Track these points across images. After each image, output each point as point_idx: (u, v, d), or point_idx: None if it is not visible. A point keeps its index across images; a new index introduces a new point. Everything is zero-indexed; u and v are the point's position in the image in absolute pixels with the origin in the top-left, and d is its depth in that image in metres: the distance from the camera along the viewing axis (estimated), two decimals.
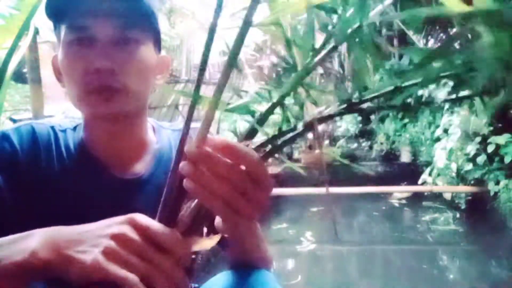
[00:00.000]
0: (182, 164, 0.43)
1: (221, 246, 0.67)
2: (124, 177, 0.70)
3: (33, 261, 0.43)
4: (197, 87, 0.45)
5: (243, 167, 0.43)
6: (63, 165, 0.67)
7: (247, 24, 0.42)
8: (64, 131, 0.71)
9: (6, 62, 1.48)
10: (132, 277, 0.41)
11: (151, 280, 0.42)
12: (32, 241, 0.45)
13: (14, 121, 4.40)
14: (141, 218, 0.45)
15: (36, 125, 0.69)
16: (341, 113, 0.46)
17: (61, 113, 6.02)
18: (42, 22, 1.81)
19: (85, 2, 0.61)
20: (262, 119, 0.45)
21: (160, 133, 0.78)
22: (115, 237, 0.43)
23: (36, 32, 1.88)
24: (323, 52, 0.45)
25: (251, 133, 0.45)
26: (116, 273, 0.41)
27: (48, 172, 0.65)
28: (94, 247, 0.43)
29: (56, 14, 0.63)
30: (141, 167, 0.72)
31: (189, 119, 0.45)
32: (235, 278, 0.66)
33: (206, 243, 0.47)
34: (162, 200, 0.46)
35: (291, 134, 0.46)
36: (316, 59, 0.45)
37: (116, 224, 0.44)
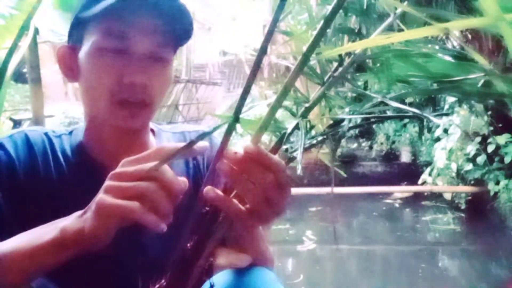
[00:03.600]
0: (219, 163, 0.46)
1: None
2: None
3: (64, 236, 0.46)
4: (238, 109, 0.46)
5: (272, 175, 0.45)
6: (61, 171, 0.66)
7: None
8: (59, 136, 0.70)
9: (6, 62, 1.48)
10: (136, 205, 0.44)
11: (156, 199, 0.45)
12: (61, 221, 0.48)
13: (14, 121, 4.40)
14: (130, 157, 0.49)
15: (29, 132, 0.68)
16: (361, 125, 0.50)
17: (61, 113, 6.02)
18: (42, 22, 1.81)
19: (129, 12, 0.60)
20: (289, 134, 0.49)
21: (160, 136, 0.77)
22: (112, 176, 0.47)
23: (36, 32, 1.88)
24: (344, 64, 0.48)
25: (278, 145, 0.49)
26: (121, 205, 0.44)
27: (47, 179, 0.65)
28: (98, 194, 0.47)
29: (96, 13, 0.60)
30: None
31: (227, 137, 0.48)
32: (236, 277, 0.66)
33: (237, 258, 0.49)
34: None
35: (309, 144, 0.50)
36: (338, 71, 0.47)
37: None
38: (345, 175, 0.62)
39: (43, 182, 0.64)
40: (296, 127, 0.48)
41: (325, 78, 0.50)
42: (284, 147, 0.49)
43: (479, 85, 0.41)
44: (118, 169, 0.48)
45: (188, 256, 0.48)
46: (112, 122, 0.65)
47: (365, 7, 0.47)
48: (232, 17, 7.80)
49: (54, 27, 1.83)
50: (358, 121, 0.50)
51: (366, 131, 6.00)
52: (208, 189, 0.47)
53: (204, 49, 7.64)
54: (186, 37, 0.67)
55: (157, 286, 0.49)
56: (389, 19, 0.46)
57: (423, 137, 4.92)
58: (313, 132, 0.52)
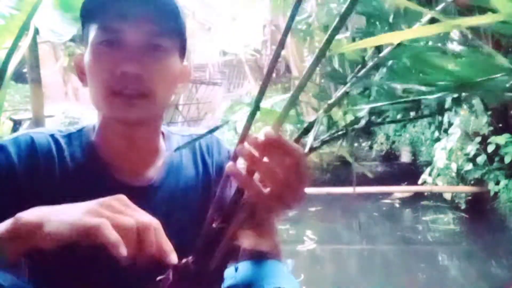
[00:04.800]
0: (239, 146, 0.49)
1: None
2: (135, 184, 0.68)
3: (16, 225, 0.47)
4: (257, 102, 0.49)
5: (291, 160, 0.48)
6: (67, 173, 0.65)
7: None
8: (67, 136, 0.69)
9: (6, 62, 1.48)
10: (103, 221, 0.45)
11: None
12: (20, 213, 0.49)
13: (14, 121, 4.40)
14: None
15: (35, 135, 0.67)
16: (375, 124, 0.54)
17: (61, 113, 6.01)
18: (42, 22, 1.81)
19: (119, 5, 0.61)
20: (309, 128, 0.52)
21: (170, 139, 0.77)
22: (100, 202, 0.48)
23: (36, 32, 1.87)
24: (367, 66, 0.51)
25: (299, 138, 0.52)
26: (89, 222, 0.45)
27: (50, 182, 0.64)
28: (77, 207, 0.48)
29: (89, 13, 0.63)
30: (152, 174, 0.71)
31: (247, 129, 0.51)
32: (248, 270, 0.67)
33: (257, 242, 0.54)
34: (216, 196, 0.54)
35: (329, 137, 0.54)
36: (361, 72, 0.51)
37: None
38: (371, 175, 0.65)
39: (45, 186, 0.63)
40: (318, 121, 0.51)
41: (348, 78, 0.52)
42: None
43: (508, 85, 0.41)
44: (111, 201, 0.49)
45: (212, 235, 0.52)
46: (110, 113, 0.65)
47: (391, 19, 0.49)
48: (232, 17, 7.80)
49: (54, 27, 1.83)
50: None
51: (366, 131, 5.99)
52: (230, 165, 0.49)
53: (204, 49, 7.64)
54: (177, 23, 0.66)
55: (184, 261, 0.52)
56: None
57: (423, 137, 4.92)
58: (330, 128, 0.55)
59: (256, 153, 0.48)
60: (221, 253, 0.52)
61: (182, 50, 0.70)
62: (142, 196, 0.68)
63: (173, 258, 0.48)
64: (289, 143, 0.48)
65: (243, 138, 0.50)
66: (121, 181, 0.68)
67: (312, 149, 0.52)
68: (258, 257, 0.70)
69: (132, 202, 0.67)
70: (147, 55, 0.63)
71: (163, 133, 0.77)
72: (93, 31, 0.63)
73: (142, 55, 0.62)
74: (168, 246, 0.48)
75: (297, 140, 0.52)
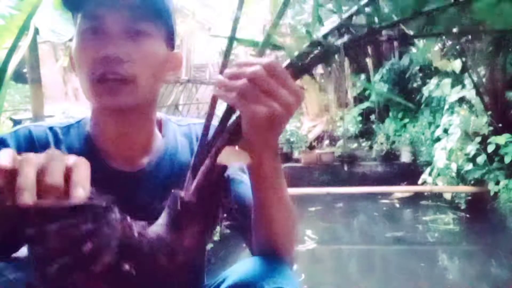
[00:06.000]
0: (219, 75, 0.52)
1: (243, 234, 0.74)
2: (129, 170, 0.70)
3: None
4: None
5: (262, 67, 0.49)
6: None
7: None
8: (66, 127, 0.71)
9: (6, 62, 1.48)
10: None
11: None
12: None
13: (14, 121, 4.40)
14: None
15: (33, 128, 0.69)
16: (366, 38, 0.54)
17: (61, 113, 6.01)
18: (42, 22, 1.81)
19: None
20: (302, 56, 0.54)
21: (167, 126, 0.78)
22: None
23: (36, 32, 1.87)
24: None
25: (289, 67, 0.55)
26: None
27: None
28: None
29: (72, 3, 0.65)
30: (146, 160, 0.72)
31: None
32: (250, 267, 0.66)
33: (237, 156, 0.53)
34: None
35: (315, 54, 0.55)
36: None
37: None
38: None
39: None
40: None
41: None
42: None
43: None
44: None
45: (201, 157, 0.55)
46: (95, 101, 0.66)
47: None
48: (232, 17, 7.79)
49: (54, 27, 1.83)
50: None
51: (366, 131, 5.99)
52: (218, 77, 0.52)
53: (204, 49, 7.64)
54: (158, 9, 0.66)
55: (174, 192, 0.55)
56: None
57: (423, 137, 4.91)
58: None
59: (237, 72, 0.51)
60: (204, 174, 0.53)
61: (169, 36, 0.70)
62: (136, 181, 0.70)
63: (80, 192, 0.42)
64: (261, 58, 0.51)
65: (223, 67, 0.54)
66: (115, 168, 0.69)
67: (294, 66, 0.54)
68: (270, 253, 0.67)
69: (126, 187, 0.68)
70: (129, 39, 0.63)
71: (161, 120, 0.77)
72: (78, 20, 0.65)
73: (124, 40, 0.63)
74: (82, 182, 0.43)
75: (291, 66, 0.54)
